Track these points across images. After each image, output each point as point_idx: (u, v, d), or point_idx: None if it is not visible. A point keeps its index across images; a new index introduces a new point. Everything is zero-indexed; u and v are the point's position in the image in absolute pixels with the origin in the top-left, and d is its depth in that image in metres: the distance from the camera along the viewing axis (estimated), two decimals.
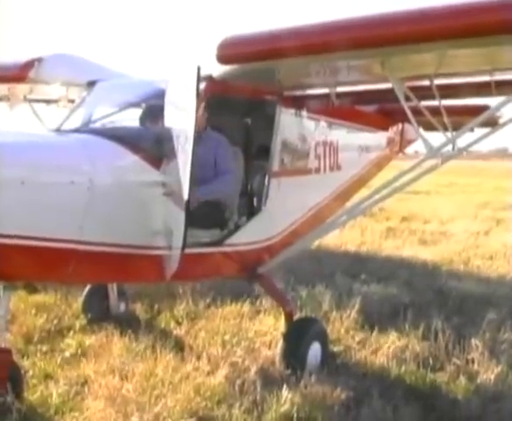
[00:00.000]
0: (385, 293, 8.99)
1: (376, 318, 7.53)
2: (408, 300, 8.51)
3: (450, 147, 5.89)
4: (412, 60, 5.38)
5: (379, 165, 9.93)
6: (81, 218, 4.89)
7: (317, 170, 7.67)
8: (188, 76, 4.92)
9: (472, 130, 6.52)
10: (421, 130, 8.16)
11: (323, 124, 7.75)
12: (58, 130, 6.26)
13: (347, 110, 7.84)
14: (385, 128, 9.90)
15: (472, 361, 6.36)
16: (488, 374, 6.08)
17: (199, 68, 4.80)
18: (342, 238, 13.33)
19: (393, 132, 10.25)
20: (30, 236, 4.69)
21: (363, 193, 7.78)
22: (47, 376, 5.80)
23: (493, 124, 6.90)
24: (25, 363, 5.98)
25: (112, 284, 7.47)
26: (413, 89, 5.88)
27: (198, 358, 6.06)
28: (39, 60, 6.97)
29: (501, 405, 5.48)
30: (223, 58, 5.34)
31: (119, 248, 5.24)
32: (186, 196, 4.68)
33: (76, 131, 5.92)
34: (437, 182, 27.10)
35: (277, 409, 5.12)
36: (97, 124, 6.25)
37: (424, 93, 6.12)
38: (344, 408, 5.34)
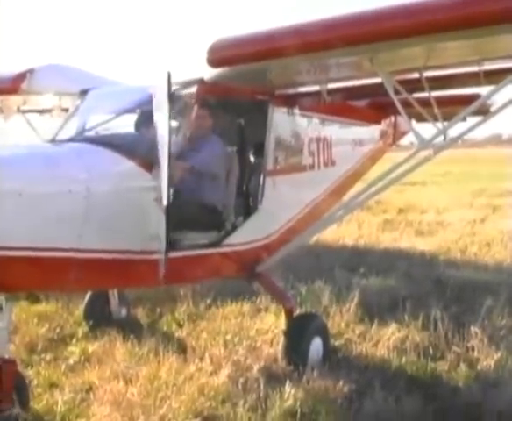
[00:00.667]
0: (384, 285, 9.07)
1: (376, 311, 7.59)
2: (406, 291, 8.55)
3: (441, 138, 5.96)
4: (401, 55, 5.43)
5: (373, 158, 9.99)
6: (80, 227, 4.94)
7: (312, 167, 7.74)
8: (160, 83, 5.04)
9: (464, 119, 6.57)
10: (414, 122, 8.29)
11: (315, 120, 7.81)
12: (53, 140, 6.30)
13: (339, 105, 7.89)
14: (377, 121, 9.95)
15: (472, 349, 6.44)
16: (488, 360, 6.16)
17: (169, 75, 4.94)
18: (339, 232, 13.40)
19: (385, 124, 10.30)
20: (29, 247, 4.74)
21: (358, 187, 7.85)
22: (52, 385, 5.85)
23: (485, 112, 6.95)
24: (30, 373, 6.02)
25: (113, 290, 7.53)
26: (403, 82, 5.94)
27: (201, 359, 6.12)
28: (31, 71, 7.01)
29: (502, 391, 5.52)
30: (213, 61, 5.40)
31: (119, 254, 5.30)
32: (165, 201, 4.79)
33: (71, 140, 5.97)
34: (433, 172, 27.18)
35: (281, 405, 5.17)
36: (92, 133, 6.29)
37: (415, 85, 6.19)
38: (346, 401, 5.40)
